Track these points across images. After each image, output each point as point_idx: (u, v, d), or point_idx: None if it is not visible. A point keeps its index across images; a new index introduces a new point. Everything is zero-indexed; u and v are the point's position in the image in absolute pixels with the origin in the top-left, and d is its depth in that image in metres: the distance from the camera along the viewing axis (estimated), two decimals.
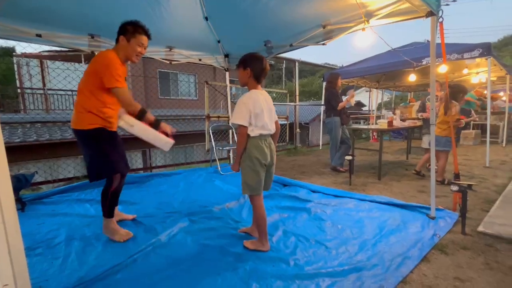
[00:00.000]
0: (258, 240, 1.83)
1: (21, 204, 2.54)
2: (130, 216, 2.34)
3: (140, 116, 1.78)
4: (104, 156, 1.82)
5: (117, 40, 1.81)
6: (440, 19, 2.11)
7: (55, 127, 6.31)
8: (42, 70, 8.57)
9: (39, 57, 8.78)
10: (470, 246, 1.83)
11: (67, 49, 4.36)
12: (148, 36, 1.86)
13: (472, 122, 7.50)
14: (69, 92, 7.66)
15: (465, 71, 6.05)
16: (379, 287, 1.40)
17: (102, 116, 1.78)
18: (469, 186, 2.06)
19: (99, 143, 1.79)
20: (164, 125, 1.87)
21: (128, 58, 1.84)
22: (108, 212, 1.90)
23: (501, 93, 9.23)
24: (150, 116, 1.81)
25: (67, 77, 5.51)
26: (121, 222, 2.17)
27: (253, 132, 1.69)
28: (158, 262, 1.67)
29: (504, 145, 6.40)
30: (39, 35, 2.68)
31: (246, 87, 1.81)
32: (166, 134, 1.86)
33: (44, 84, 8.46)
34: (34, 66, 8.65)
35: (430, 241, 1.86)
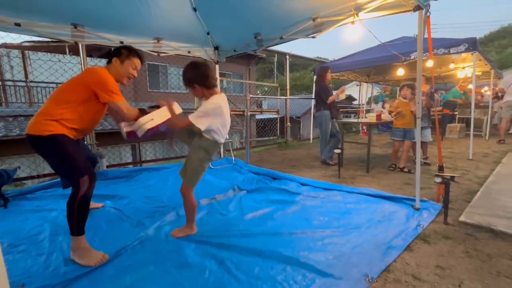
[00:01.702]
0: (186, 226, 1.92)
1: (4, 200, 2.47)
2: (99, 205, 2.36)
3: (143, 112, 1.87)
4: (67, 161, 1.62)
5: (109, 61, 1.87)
6: (428, 14, 2.13)
7: None
8: (24, 61, 8.22)
9: (21, 47, 8.40)
10: (452, 235, 1.90)
11: (49, 40, 4.18)
12: (142, 60, 1.94)
13: (457, 116, 7.72)
14: (53, 85, 7.38)
15: (452, 65, 6.18)
16: (363, 275, 1.44)
17: (69, 126, 1.66)
18: (452, 178, 2.12)
19: (59, 148, 1.61)
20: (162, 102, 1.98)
21: (119, 79, 1.87)
22: (78, 227, 1.57)
23: (486, 88, 9.49)
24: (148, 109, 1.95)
25: (50, 68, 5.31)
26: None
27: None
28: (144, 256, 1.65)
29: (487, 139, 6.61)
30: (18, 24, 2.55)
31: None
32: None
33: (26, 76, 8.13)
34: (14, 57, 8.27)
35: (414, 231, 1.92)
